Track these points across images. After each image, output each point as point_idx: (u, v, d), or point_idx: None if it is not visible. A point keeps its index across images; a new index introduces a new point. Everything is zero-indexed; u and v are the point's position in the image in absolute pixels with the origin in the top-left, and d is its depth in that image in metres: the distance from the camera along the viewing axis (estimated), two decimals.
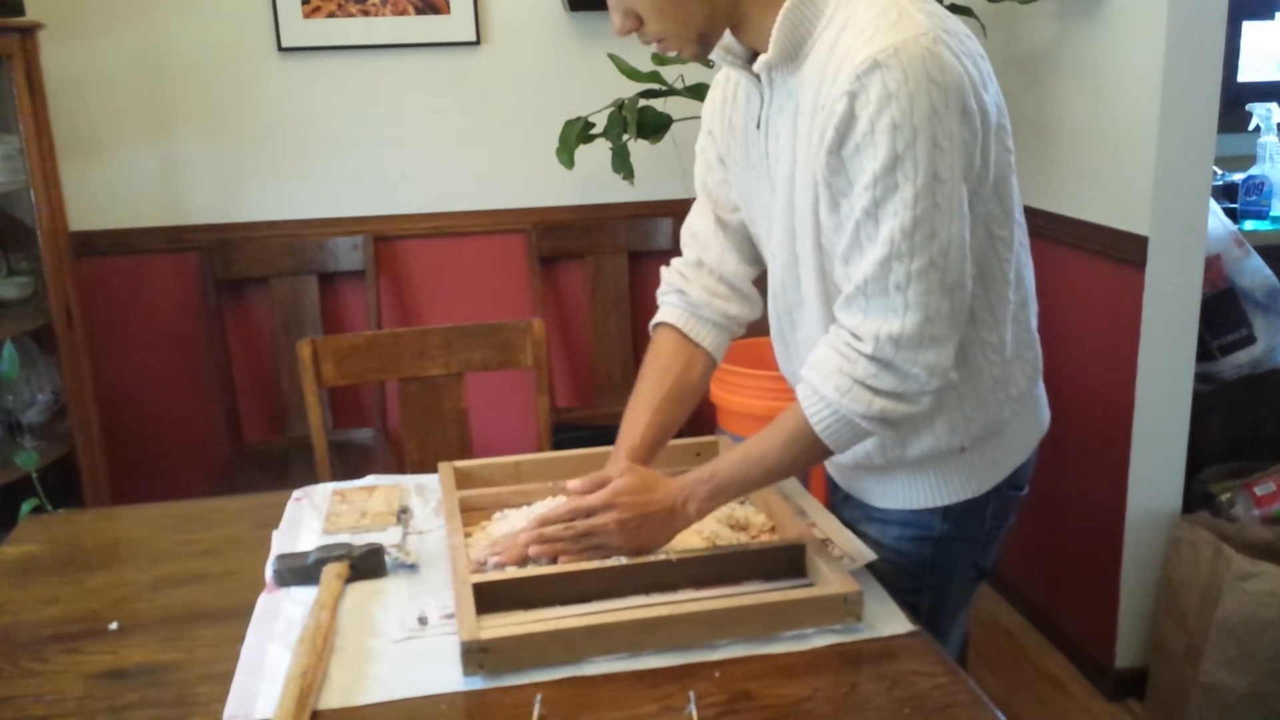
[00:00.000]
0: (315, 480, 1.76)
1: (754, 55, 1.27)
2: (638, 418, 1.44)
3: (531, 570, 1.26)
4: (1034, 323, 1.38)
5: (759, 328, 2.85)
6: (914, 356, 1.17)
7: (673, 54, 1.26)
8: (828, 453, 1.26)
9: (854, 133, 1.13)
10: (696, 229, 1.48)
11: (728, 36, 1.27)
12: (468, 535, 1.41)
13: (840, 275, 1.22)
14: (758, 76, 1.26)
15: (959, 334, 1.20)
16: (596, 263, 3.10)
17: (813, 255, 1.26)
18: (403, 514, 1.53)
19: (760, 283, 1.48)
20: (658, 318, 1.50)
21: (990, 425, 1.34)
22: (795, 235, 1.28)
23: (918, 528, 1.39)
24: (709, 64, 1.33)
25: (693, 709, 1.07)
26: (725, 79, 1.41)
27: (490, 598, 1.22)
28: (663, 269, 1.51)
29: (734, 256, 1.46)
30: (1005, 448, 1.38)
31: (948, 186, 1.13)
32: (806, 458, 1.29)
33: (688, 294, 1.47)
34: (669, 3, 1.19)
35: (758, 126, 1.30)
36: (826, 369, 1.21)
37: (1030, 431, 1.41)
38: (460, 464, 1.59)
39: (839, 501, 1.52)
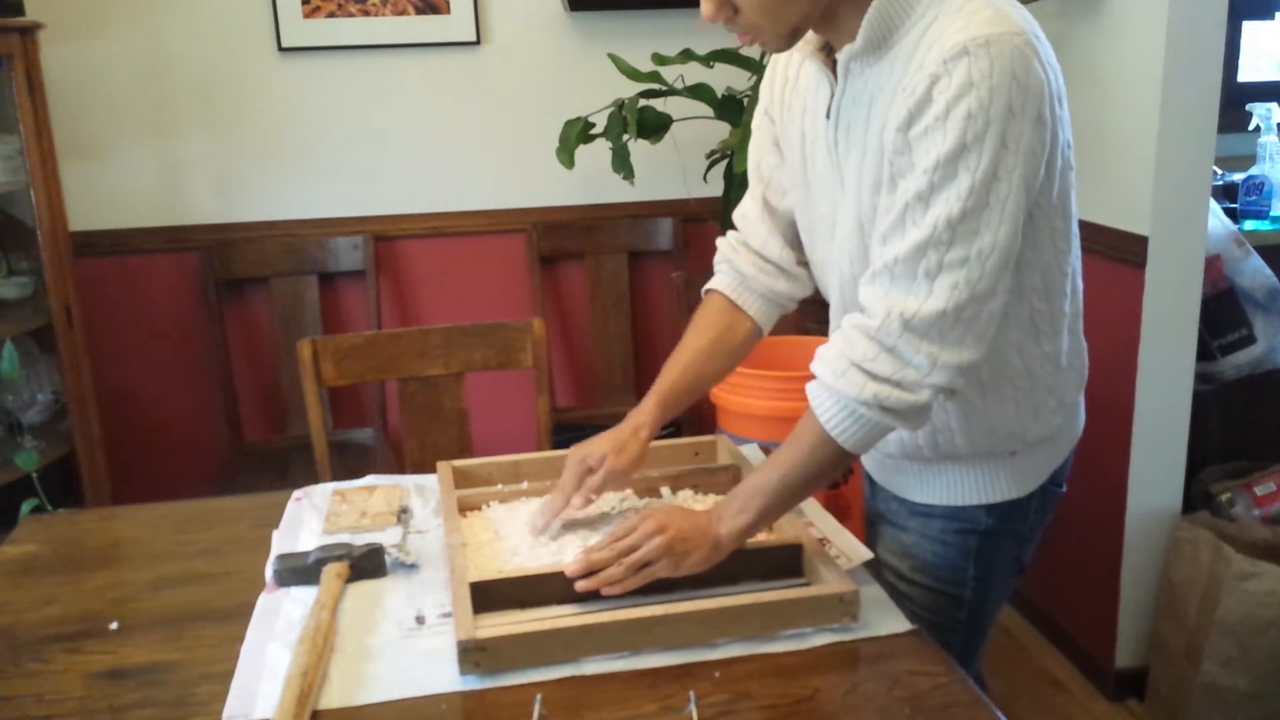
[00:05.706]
0: (315, 480, 1.76)
1: (827, 44, 1.26)
2: (673, 364, 1.47)
3: (528, 569, 1.27)
4: (1081, 330, 1.38)
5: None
6: (918, 343, 1.15)
7: (750, 43, 1.22)
8: (845, 452, 1.22)
9: (926, 115, 1.12)
10: (745, 210, 1.50)
11: None
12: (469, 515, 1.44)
13: (873, 255, 1.20)
14: (833, 64, 1.24)
15: (980, 348, 1.18)
16: (596, 263, 3.10)
17: None
18: (403, 514, 1.53)
19: None
20: (709, 284, 1.52)
21: (1043, 433, 1.35)
22: (862, 228, 1.27)
23: (963, 521, 1.38)
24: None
25: (693, 709, 1.07)
26: (786, 61, 1.38)
27: (487, 597, 1.22)
28: (719, 239, 1.53)
29: (778, 240, 1.47)
30: (1051, 451, 1.39)
31: (1004, 188, 1.12)
32: (822, 455, 1.22)
33: (737, 265, 1.49)
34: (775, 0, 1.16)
35: (828, 116, 1.28)
36: (826, 355, 1.21)
37: (1073, 434, 1.43)
38: (459, 463, 1.59)
39: (874, 496, 1.51)
